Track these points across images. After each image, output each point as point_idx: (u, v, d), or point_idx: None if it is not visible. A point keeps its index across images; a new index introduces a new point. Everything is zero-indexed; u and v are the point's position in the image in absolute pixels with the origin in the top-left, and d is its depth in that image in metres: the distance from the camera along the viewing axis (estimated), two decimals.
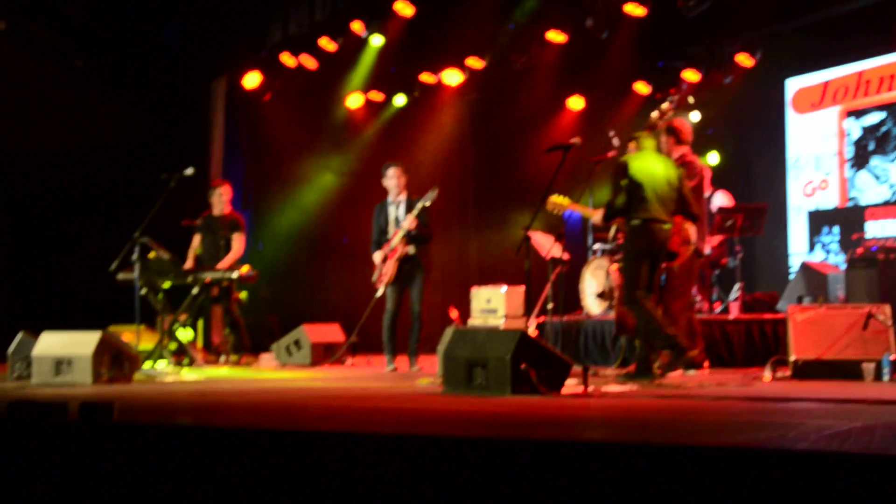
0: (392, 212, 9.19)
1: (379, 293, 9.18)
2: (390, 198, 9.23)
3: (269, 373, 9.06)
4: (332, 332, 10.38)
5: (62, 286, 13.30)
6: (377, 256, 9.18)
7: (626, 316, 7.65)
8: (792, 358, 7.25)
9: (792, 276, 10.90)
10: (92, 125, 13.19)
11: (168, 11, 12.74)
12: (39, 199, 14.14)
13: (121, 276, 9.22)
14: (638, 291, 7.08)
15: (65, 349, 7.51)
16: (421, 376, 7.95)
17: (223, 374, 8.74)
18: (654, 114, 7.68)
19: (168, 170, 9.28)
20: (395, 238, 9.04)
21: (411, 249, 9.04)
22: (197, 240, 10.11)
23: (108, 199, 13.09)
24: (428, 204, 8.94)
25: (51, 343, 7.63)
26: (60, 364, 7.47)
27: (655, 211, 7.15)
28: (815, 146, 12.17)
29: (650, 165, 7.25)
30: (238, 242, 9.97)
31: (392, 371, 9.01)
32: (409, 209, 9.05)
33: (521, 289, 10.00)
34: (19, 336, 8.04)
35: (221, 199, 10.07)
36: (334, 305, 12.84)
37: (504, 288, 10.10)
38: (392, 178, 9.19)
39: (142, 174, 11.10)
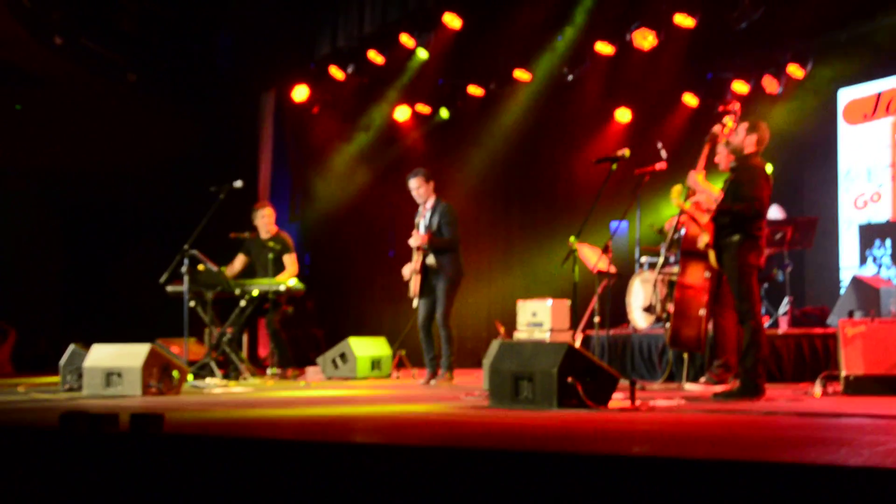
0: (422, 223, 9.21)
1: (415, 305, 9.21)
2: (420, 208, 9.25)
3: (315, 386, 9.10)
4: (378, 346, 10.41)
5: (113, 298, 13.48)
6: (405, 271, 9.23)
7: (723, 332, 7.61)
8: (843, 373, 7.14)
9: (843, 290, 10.73)
10: (143, 138, 13.39)
11: (219, 25, 12.91)
12: (91, 211, 14.37)
13: (170, 288, 9.32)
14: (758, 307, 6.90)
15: (115, 361, 7.61)
16: (451, 389, 7.90)
17: (270, 386, 8.79)
18: (717, 127, 7.59)
19: (217, 182, 9.36)
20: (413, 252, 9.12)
21: (430, 260, 9.05)
22: (240, 260, 10.11)
23: (157, 211, 13.26)
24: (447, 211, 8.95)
25: (101, 355, 7.73)
26: (111, 376, 7.56)
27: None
28: (867, 158, 12.00)
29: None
30: (292, 262, 10.01)
31: (425, 383, 8.99)
32: (431, 217, 9.09)
33: (567, 302, 9.96)
34: (71, 348, 8.15)
35: (265, 221, 10.09)
36: (380, 318, 12.88)
37: (550, 301, 10.06)
38: (413, 189, 9.18)
39: (191, 186, 11.23)
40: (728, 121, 7.55)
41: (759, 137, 7.02)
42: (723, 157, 7.94)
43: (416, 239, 9.01)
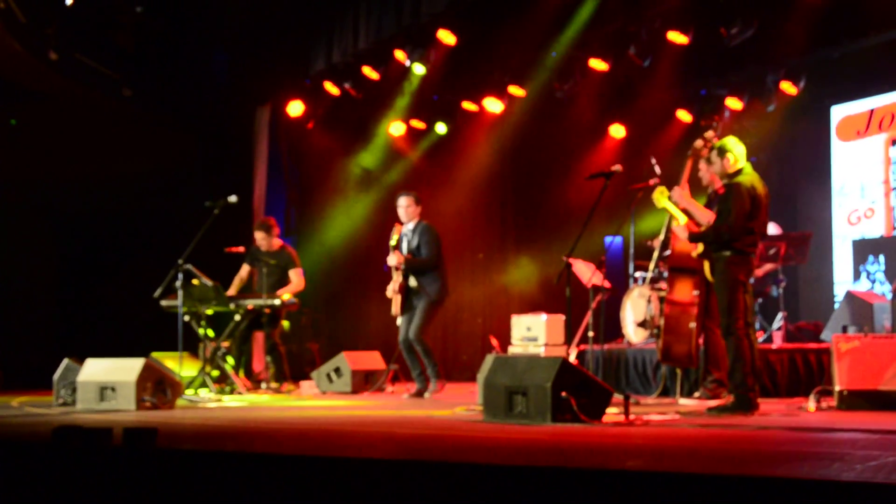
0: (404, 242, 9.31)
1: (398, 324, 9.30)
2: (405, 228, 9.32)
3: (309, 400, 9.09)
4: (372, 360, 10.41)
5: (106, 313, 13.45)
6: (388, 291, 9.34)
7: (716, 346, 7.66)
8: (836, 388, 7.15)
9: (836, 306, 10.76)
10: (138, 153, 13.38)
11: (214, 41, 12.92)
12: (85, 225, 14.34)
13: (164, 302, 9.32)
14: (741, 322, 6.95)
15: (109, 376, 7.60)
16: (445, 403, 7.91)
17: (264, 401, 8.78)
18: (699, 142, 7.64)
19: (212, 197, 9.37)
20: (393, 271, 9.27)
21: (412, 282, 9.20)
22: (245, 270, 10.14)
23: (152, 226, 13.25)
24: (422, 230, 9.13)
25: (95, 370, 7.72)
26: (104, 390, 7.55)
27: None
28: (860, 174, 12.05)
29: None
30: (298, 276, 10.02)
31: (411, 397, 9.09)
32: (412, 238, 9.22)
33: (562, 317, 9.97)
34: (64, 363, 8.14)
35: (269, 235, 10.10)
36: (375, 333, 12.88)
37: (544, 316, 10.08)
38: (402, 206, 9.31)
39: (186, 201, 11.23)
40: (709, 135, 7.60)
41: (731, 156, 7.06)
42: (705, 172, 7.98)
43: (394, 258, 9.12)
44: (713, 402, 7.31)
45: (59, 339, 13.76)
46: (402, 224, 9.33)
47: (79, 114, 12.59)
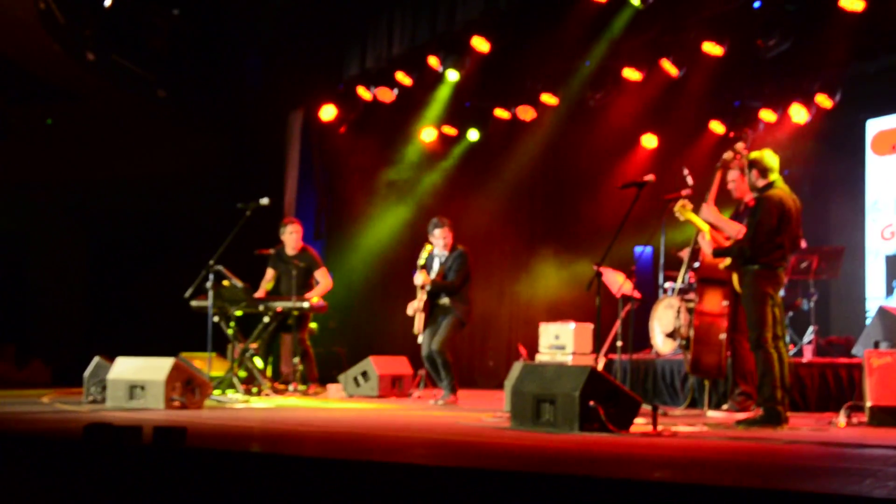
0: (436, 263, 9.37)
1: (419, 341, 9.35)
2: (436, 250, 9.36)
3: (336, 403, 9.11)
4: (399, 365, 10.43)
5: (138, 312, 13.57)
6: (409, 309, 9.39)
7: (744, 359, 7.61)
8: (868, 404, 7.08)
9: (868, 321, 10.66)
10: (171, 154, 13.50)
11: (248, 45, 13.01)
12: (117, 225, 14.48)
13: (194, 303, 9.37)
14: (768, 335, 6.91)
15: (138, 374, 7.66)
16: (473, 410, 7.92)
17: (292, 403, 8.81)
18: (728, 153, 7.60)
19: (244, 199, 9.42)
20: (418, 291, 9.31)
21: (440, 300, 9.26)
22: (270, 274, 10.16)
23: (184, 226, 13.34)
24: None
25: (125, 368, 7.78)
26: (134, 389, 7.61)
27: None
28: (894, 189, 11.94)
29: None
30: (324, 276, 10.04)
31: (437, 404, 9.09)
32: (444, 262, 9.29)
33: (590, 326, 9.94)
34: (95, 361, 8.21)
35: (293, 237, 10.13)
36: (402, 338, 12.87)
37: (572, 324, 10.05)
38: (439, 238, 9.33)
39: (218, 203, 11.30)
40: (739, 147, 7.56)
41: (760, 169, 7.02)
42: (734, 184, 7.94)
43: (420, 278, 9.16)
44: (741, 415, 7.26)
45: (90, 336, 13.90)
46: (433, 246, 9.36)
47: (113, 114, 12.70)
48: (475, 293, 9.70)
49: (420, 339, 9.35)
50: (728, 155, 7.58)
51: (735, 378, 8.04)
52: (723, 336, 7.88)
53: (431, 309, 9.31)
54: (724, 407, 8.12)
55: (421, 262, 9.28)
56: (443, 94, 12.67)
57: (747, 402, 7.81)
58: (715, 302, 7.95)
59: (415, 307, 9.31)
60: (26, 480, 4.52)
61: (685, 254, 8.77)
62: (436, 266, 9.35)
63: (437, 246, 9.35)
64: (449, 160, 13.77)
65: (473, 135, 13.49)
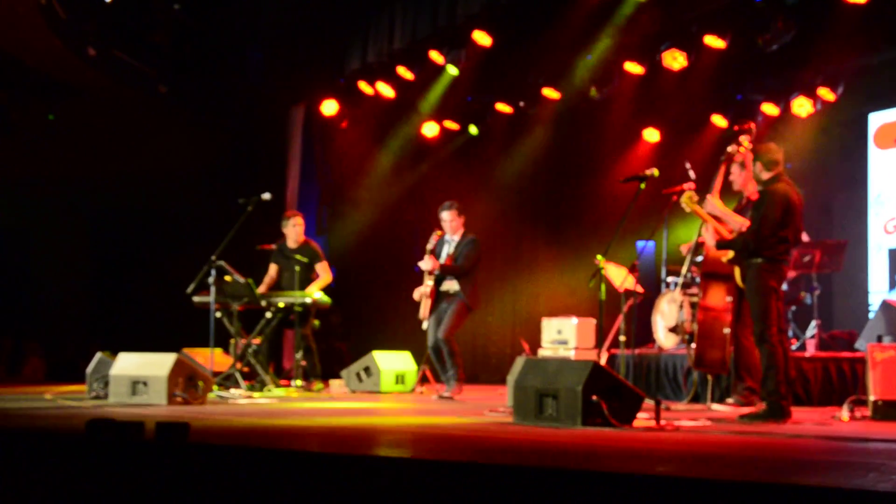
0: (444, 250, 9.34)
1: (424, 328, 9.31)
2: (447, 235, 9.33)
3: (338, 399, 9.11)
4: (402, 360, 10.42)
5: (140, 308, 13.57)
6: (415, 294, 9.37)
7: (748, 353, 7.59)
8: (871, 398, 7.07)
9: (871, 315, 10.65)
10: (172, 149, 13.49)
11: (249, 39, 12.99)
12: (120, 221, 14.48)
13: (197, 298, 9.36)
14: (774, 328, 6.90)
15: (141, 370, 7.66)
16: (475, 404, 7.91)
17: (294, 398, 8.80)
18: (732, 147, 7.58)
19: (245, 194, 9.42)
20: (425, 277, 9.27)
21: (445, 286, 9.24)
22: (273, 269, 10.15)
23: (186, 221, 13.34)
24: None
25: (128, 364, 7.78)
26: (136, 384, 7.61)
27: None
28: None
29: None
30: (324, 270, 10.03)
31: (441, 397, 9.07)
32: (454, 249, 9.24)
33: (593, 321, 9.93)
34: (97, 356, 8.22)
35: (296, 230, 10.11)
36: (405, 333, 12.87)
37: (575, 319, 10.03)
38: (446, 220, 9.32)
39: (220, 198, 11.30)
40: (744, 140, 7.54)
41: (765, 162, 7.00)
42: (737, 178, 7.91)
43: (428, 263, 9.14)
44: (745, 409, 7.25)
45: (92, 332, 13.90)
46: (444, 232, 9.34)
47: (115, 110, 12.70)
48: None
49: (424, 325, 9.32)
50: (731, 148, 7.57)
51: (739, 372, 8.03)
52: (727, 331, 7.87)
53: (437, 296, 9.27)
54: (729, 401, 8.11)
55: (429, 246, 9.26)
56: (444, 89, 12.65)
57: (751, 396, 7.81)
58: (719, 297, 7.94)
59: (421, 292, 9.28)
60: (29, 476, 4.52)
61: (686, 248, 8.76)
62: (445, 252, 9.32)
63: (446, 229, 9.34)
64: (451, 154, 13.75)
65: (475, 129, 13.48)
